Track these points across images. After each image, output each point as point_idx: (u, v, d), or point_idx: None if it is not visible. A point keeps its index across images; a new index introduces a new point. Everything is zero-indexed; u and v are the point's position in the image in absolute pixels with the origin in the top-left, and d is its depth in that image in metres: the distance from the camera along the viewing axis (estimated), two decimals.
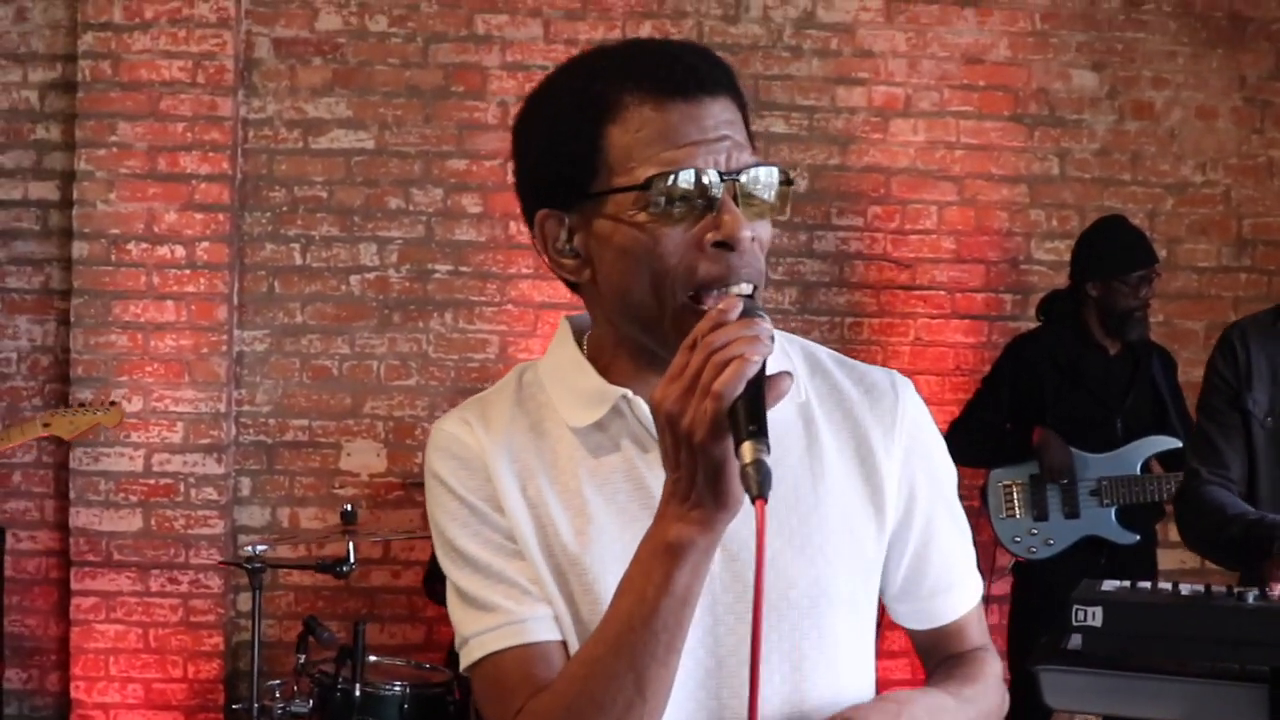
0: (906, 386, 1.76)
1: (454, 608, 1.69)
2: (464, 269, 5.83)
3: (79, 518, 5.64)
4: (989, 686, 1.78)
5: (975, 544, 5.37)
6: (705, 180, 1.53)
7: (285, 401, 5.82)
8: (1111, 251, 5.02)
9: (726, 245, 1.52)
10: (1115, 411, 5.03)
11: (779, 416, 1.51)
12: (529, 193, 1.65)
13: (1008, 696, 1.84)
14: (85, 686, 5.64)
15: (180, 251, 5.64)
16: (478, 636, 1.63)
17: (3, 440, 4.78)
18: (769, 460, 1.34)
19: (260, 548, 4.52)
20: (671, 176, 1.52)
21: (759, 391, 1.39)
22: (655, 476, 1.54)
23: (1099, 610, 2.44)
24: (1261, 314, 3.47)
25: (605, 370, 1.65)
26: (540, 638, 1.60)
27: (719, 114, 1.57)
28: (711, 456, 1.38)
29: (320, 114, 5.80)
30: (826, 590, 1.63)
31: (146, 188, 5.62)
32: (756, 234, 1.55)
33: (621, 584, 1.49)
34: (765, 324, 1.43)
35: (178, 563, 5.64)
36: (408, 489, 5.72)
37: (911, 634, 1.82)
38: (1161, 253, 5.87)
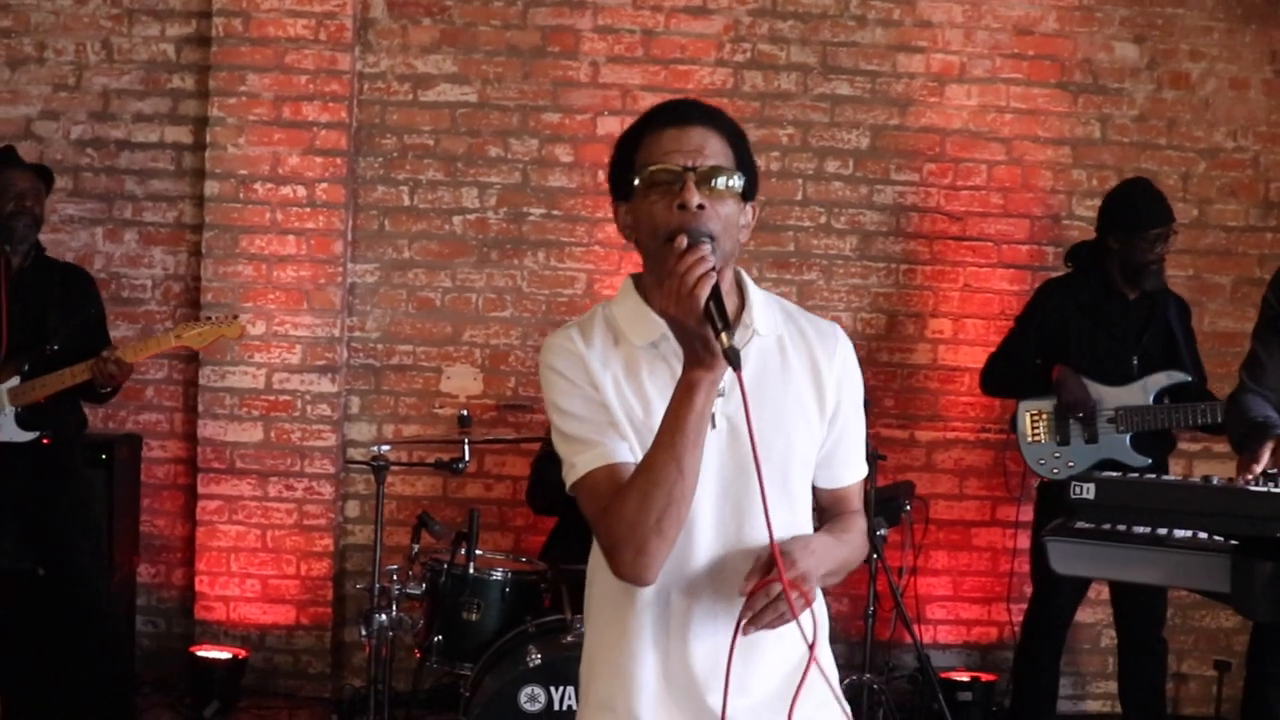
0: (842, 333, 2.62)
1: (560, 445, 2.49)
2: (556, 212, 6.38)
3: (206, 429, 6.24)
4: (858, 533, 2.64)
5: (1005, 473, 5.94)
6: (673, 169, 2.40)
7: (392, 328, 6.40)
8: (1132, 210, 5.46)
9: (682, 206, 2.36)
10: (1131, 350, 5.49)
11: (764, 345, 2.49)
12: (611, 190, 2.55)
13: (867, 543, 2.70)
14: (208, 581, 6.25)
15: (301, 191, 6.22)
16: (581, 461, 2.43)
17: (139, 351, 5.24)
18: (736, 344, 2.21)
19: (384, 448, 5.07)
20: (654, 177, 2.41)
21: (718, 296, 2.22)
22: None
23: (1092, 486, 3.04)
24: None
25: (651, 303, 2.48)
26: (622, 459, 2.41)
27: (695, 137, 2.42)
28: (701, 334, 2.22)
29: (429, 69, 6.36)
30: (794, 450, 2.50)
31: (272, 133, 6.20)
32: (712, 204, 2.37)
33: (665, 412, 2.33)
34: (706, 247, 2.27)
35: (294, 471, 6.24)
36: (501, 410, 6.29)
37: (818, 493, 2.62)
38: (1193, 212, 6.40)
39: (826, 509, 2.66)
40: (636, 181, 2.42)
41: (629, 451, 2.41)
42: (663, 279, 2.29)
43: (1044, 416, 5.55)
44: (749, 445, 2.28)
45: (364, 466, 6.17)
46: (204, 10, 6.25)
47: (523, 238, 6.38)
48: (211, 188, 6.21)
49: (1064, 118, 6.46)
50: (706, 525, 2.44)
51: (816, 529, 2.60)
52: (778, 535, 2.32)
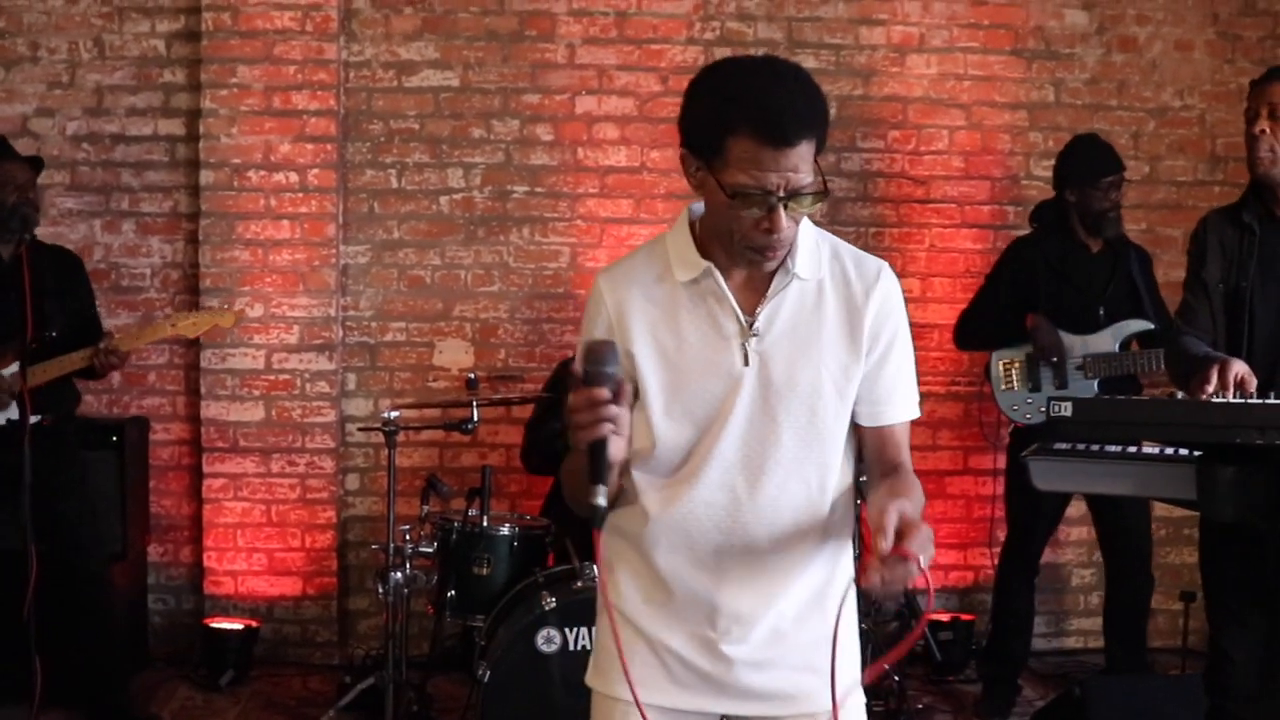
0: (887, 270, 2.60)
1: None
2: (538, 189, 6.64)
3: (209, 410, 6.46)
4: (919, 491, 2.51)
5: (981, 424, 6.17)
6: (768, 198, 2.35)
7: (385, 306, 6.64)
8: (1084, 163, 5.76)
9: (769, 231, 2.38)
10: (1097, 300, 5.77)
11: (803, 288, 2.52)
12: (681, 131, 2.47)
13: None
14: (216, 556, 6.48)
15: (293, 177, 6.45)
16: None
17: (137, 339, 5.42)
18: (602, 503, 2.29)
19: (395, 414, 5.29)
20: (746, 192, 2.36)
21: (600, 453, 2.28)
22: (724, 316, 2.51)
23: (1069, 405, 3.36)
24: (1224, 208, 4.36)
25: (704, 245, 2.53)
26: None
27: (793, 157, 2.33)
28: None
29: (412, 56, 6.60)
30: (821, 387, 2.52)
31: (263, 123, 6.42)
32: (795, 220, 2.40)
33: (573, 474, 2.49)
34: (616, 412, 2.29)
35: (295, 447, 6.48)
36: (493, 381, 6.50)
37: (861, 431, 2.60)
38: (1144, 169, 6.71)
39: (871, 449, 2.62)
40: (721, 176, 2.38)
41: None
42: (730, 250, 2.46)
43: (1016, 365, 5.83)
44: (775, 385, 2.49)
45: (363, 441, 6.50)
46: (193, 6, 6.45)
47: (507, 215, 6.63)
48: (206, 177, 6.42)
49: (1019, 83, 6.77)
50: (728, 455, 2.51)
51: (859, 476, 2.63)
52: (795, 471, 2.51)
